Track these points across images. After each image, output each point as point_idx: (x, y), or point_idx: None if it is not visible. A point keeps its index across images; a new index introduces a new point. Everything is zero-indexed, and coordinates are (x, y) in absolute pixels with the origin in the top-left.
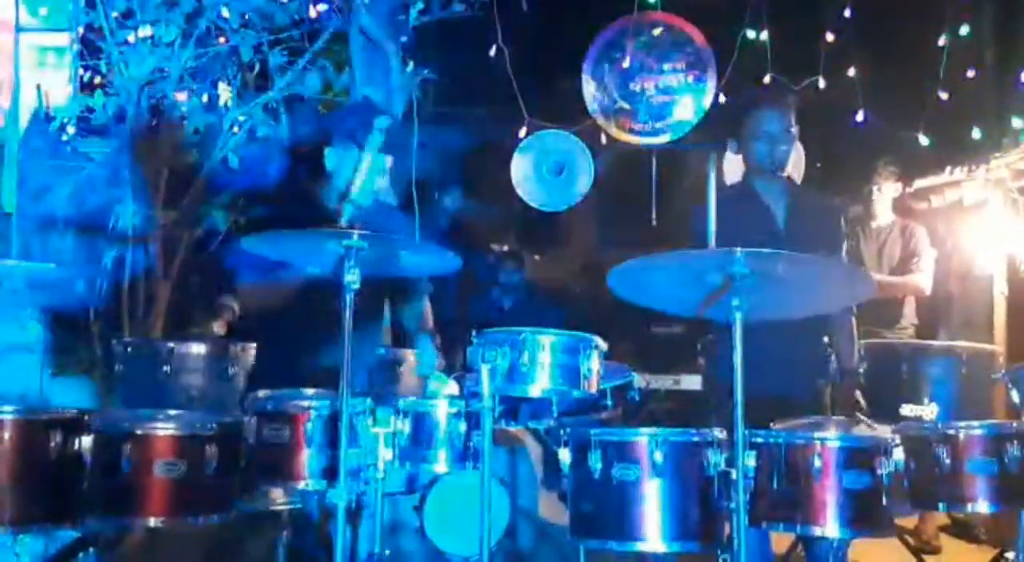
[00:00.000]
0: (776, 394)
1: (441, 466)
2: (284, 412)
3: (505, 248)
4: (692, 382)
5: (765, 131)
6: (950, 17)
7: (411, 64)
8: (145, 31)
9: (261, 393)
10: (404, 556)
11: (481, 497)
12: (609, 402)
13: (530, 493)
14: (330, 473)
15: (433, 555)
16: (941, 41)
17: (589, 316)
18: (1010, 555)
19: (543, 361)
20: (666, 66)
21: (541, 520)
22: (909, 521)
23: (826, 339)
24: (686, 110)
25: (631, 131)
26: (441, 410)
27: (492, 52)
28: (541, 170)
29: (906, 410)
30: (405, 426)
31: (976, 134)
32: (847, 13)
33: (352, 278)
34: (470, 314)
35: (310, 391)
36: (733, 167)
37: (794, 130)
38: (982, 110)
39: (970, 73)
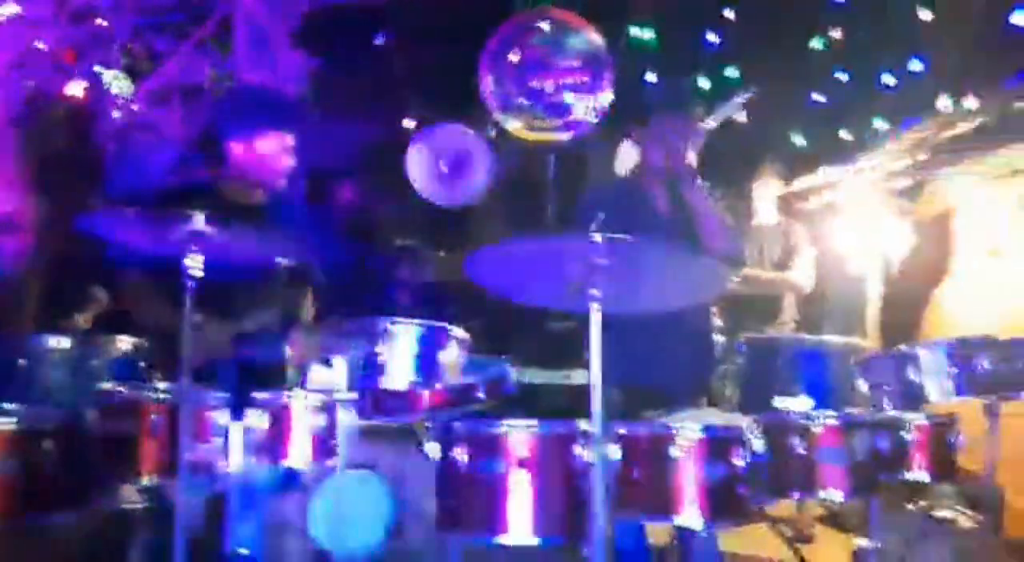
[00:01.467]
0: (656, 385)
1: (300, 461)
2: (130, 404)
3: (407, 244)
4: (583, 377)
5: (662, 137)
6: (824, 20)
7: (302, 52)
8: (12, 8)
9: (107, 385)
10: (287, 556)
11: (338, 493)
12: (482, 395)
13: (419, 491)
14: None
15: (316, 555)
16: (816, 43)
17: (485, 313)
18: (863, 542)
19: (400, 352)
20: (564, 63)
21: (430, 518)
22: (785, 510)
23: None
24: (584, 107)
25: (531, 128)
26: (299, 404)
27: (380, 41)
28: (438, 165)
29: (778, 403)
30: (262, 420)
31: (845, 135)
32: (729, 14)
33: (192, 263)
34: (365, 310)
35: (162, 384)
36: (627, 161)
37: (692, 139)
38: (849, 112)
39: (841, 76)
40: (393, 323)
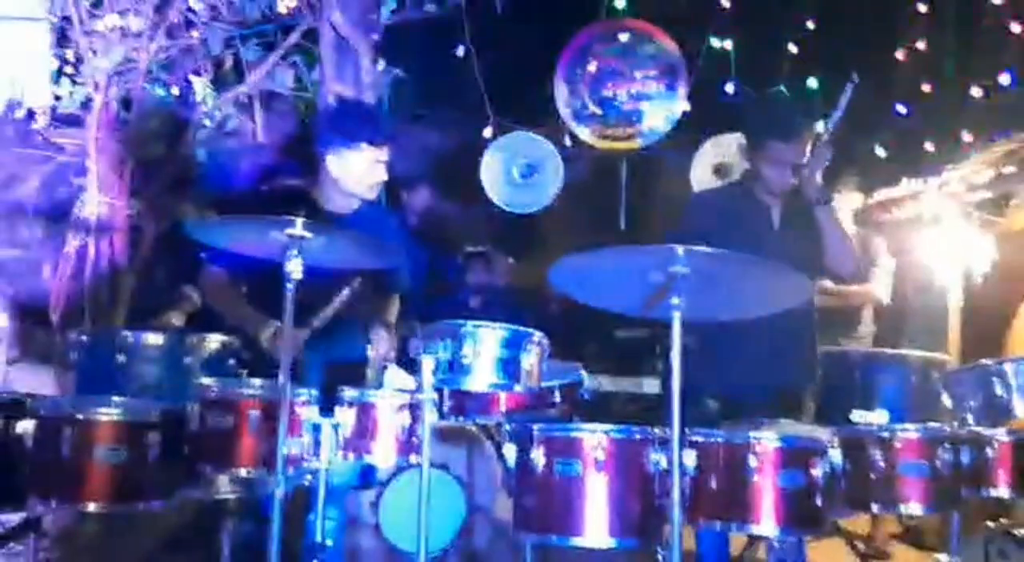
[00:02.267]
0: (741, 395)
1: (383, 458)
2: (227, 400)
3: (479, 249)
4: (653, 385)
5: (773, 157)
6: (911, 31)
7: (382, 62)
8: (114, 20)
9: (205, 381)
10: (361, 553)
11: (419, 491)
12: (557, 400)
13: (488, 492)
14: (271, 462)
15: (389, 552)
16: (900, 54)
17: (556, 319)
18: (943, 558)
19: (483, 355)
20: (638, 73)
21: (498, 519)
22: (861, 527)
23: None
24: (657, 117)
25: (603, 136)
26: (385, 402)
27: (460, 53)
28: (511, 172)
29: (856, 416)
30: (349, 417)
31: (929, 147)
32: (810, 24)
33: (293, 267)
34: (438, 314)
35: (256, 381)
36: (699, 173)
37: (805, 160)
38: (935, 124)
39: (926, 87)
40: (477, 326)
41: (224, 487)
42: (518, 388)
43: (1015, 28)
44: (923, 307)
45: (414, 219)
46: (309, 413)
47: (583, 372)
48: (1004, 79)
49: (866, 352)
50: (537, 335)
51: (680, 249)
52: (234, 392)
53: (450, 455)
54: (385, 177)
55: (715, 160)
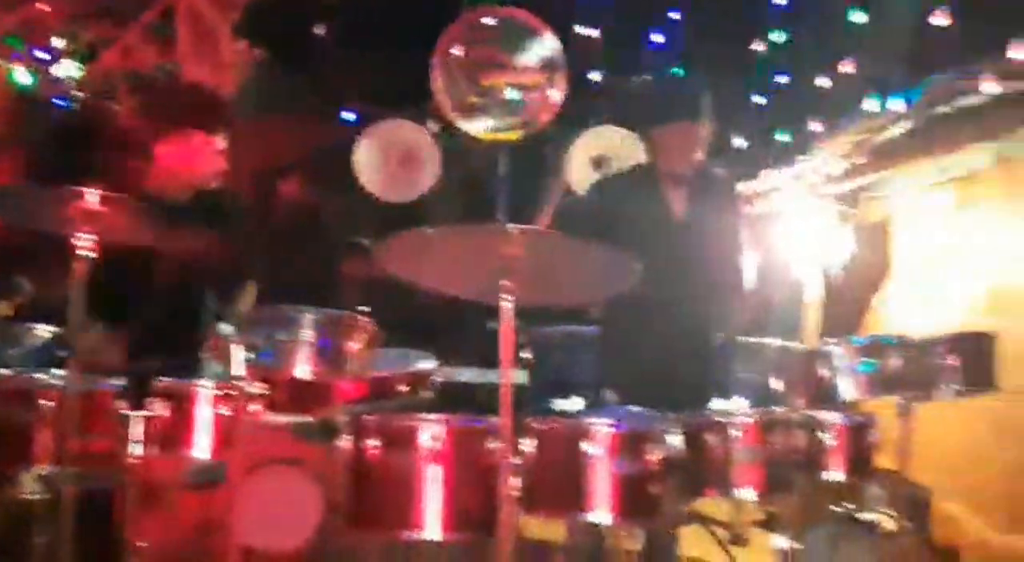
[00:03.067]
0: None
1: (202, 452)
2: (21, 390)
3: (354, 240)
4: (520, 376)
5: (663, 143)
6: (768, 23)
7: (242, 42)
8: None
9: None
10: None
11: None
12: (403, 389)
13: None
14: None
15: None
16: (759, 46)
17: (431, 312)
18: (782, 541)
19: (303, 340)
20: (518, 62)
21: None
22: (722, 513)
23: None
24: (538, 106)
25: (485, 127)
26: (203, 392)
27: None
28: (387, 160)
29: (714, 405)
30: (165, 409)
31: (783, 137)
32: (674, 15)
33: (83, 243)
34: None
35: (59, 371)
36: (577, 164)
37: (699, 143)
38: (788, 114)
39: (782, 78)
40: (296, 310)
41: (28, 487)
42: (346, 374)
43: (857, 17)
44: (781, 299)
45: (285, 209)
46: (118, 405)
47: (432, 360)
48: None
49: (723, 342)
50: (360, 318)
51: (515, 229)
52: (28, 382)
53: (305, 451)
54: (221, 165)
55: (594, 152)
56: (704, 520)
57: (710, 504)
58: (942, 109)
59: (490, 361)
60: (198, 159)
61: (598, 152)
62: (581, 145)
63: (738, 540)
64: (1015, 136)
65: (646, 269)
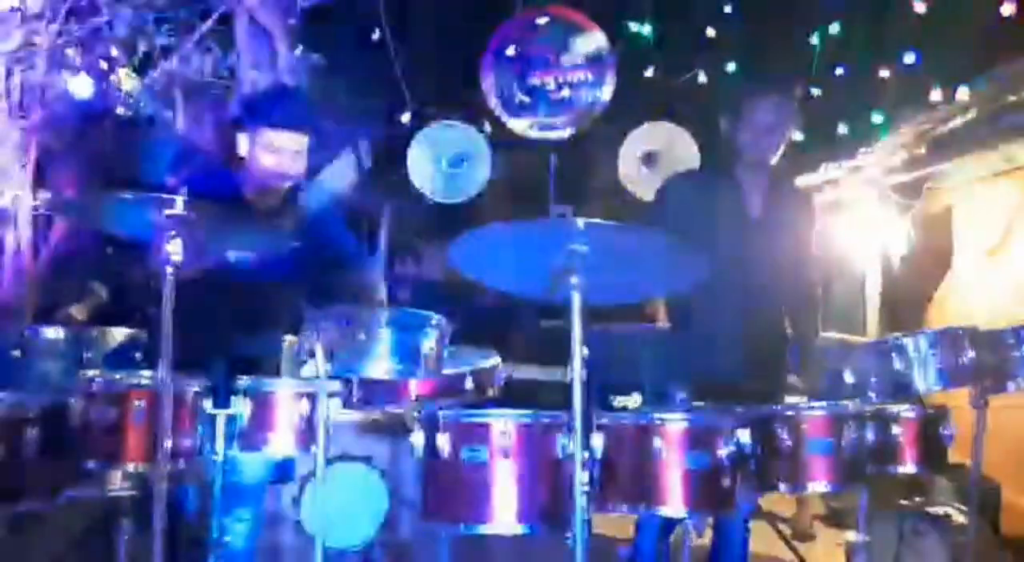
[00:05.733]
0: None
1: (281, 449)
2: (111, 392)
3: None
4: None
5: (753, 120)
6: (823, 16)
7: (300, 48)
8: (11, 1)
9: (89, 373)
10: (283, 550)
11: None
12: (469, 386)
13: (414, 483)
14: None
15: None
16: (814, 39)
17: (482, 310)
18: (852, 536)
19: (380, 339)
20: (566, 61)
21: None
22: (786, 509)
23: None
24: (586, 104)
25: (531, 125)
26: (283, 391)
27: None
28: (440, 162)
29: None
30: (246, 408)
31: (843, 129)
32: (727, 9)
33: (173, 249)
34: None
35: (147, 372)
36: (627, 161)
37: (788, 123)
38: (848, 107)
39: (839, 70)
40: (372, 310)
41: (117, 484)
42: (420, 373)
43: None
44: (842, 292)
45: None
46: (203, 404)
47: (498, 358)
48: (909, 58)
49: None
50: (435, 318)
51: (581, 222)
52: (118, 383)
53: (374, 448)
54: (303, 168)
55: (644, 149)
56: (768, 516)
57: (773, 500)
58: (1010, 98)
59: (544, 359)
60: (287, 159)
61: (648, 148)
62: (632, 142)
63: (802, 535)
64: None
65: (720, 267)
